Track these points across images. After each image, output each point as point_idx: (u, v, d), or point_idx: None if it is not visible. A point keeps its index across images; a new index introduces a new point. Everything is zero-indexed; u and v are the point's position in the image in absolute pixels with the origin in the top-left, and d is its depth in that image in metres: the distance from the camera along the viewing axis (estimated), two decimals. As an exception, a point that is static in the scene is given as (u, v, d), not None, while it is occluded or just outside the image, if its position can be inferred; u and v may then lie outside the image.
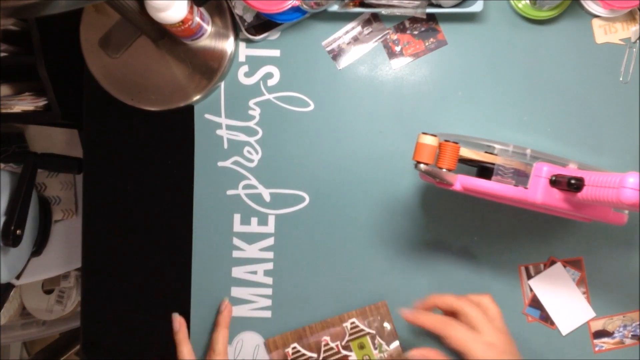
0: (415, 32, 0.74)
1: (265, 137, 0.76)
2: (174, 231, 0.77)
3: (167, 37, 0.74)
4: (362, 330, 0.72)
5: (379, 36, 0.75)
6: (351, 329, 0.72)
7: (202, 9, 0.71)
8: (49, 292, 1.17)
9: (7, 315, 1.13)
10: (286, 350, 0.72)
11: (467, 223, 0.74)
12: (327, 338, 0.72)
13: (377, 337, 0.72)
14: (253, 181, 0.76)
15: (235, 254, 0.76)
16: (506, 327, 0.63)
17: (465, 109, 0.74)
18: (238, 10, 0.73)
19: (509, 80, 0.73)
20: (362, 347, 0.72)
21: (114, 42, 0.74)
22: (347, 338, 0.72)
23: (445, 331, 0.60)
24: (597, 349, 0.73)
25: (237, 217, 0.76)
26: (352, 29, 0.75)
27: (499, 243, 0.74)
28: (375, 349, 0.73)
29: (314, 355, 0.72)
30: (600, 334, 0.73)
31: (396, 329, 0.73)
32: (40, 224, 0.98)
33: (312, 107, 0.75)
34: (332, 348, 0.72)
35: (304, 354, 0.72)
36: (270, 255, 0.76)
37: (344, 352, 0.73)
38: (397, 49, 0.75)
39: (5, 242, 0.83)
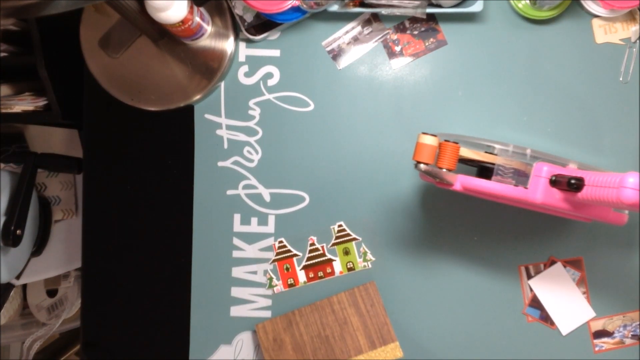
0: (415, 32, 0.74)
1: (265, 137, 0.76)
2: (174, 231, 0.77)
3: (167, 37, 0.74)
4: (348, 234, 0.71)
5: (379, 36, 0.75)
6: (338, 231, 0.71)
7: (202, 9, 0.71)
8: (52, 292, 1.17)
9: (7, 315, 1.13)
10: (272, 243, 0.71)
11: (467, 223, 0.74)
12: (314, 238, 0.71)
13: (363, 245, 0.72)
14: (253, 181, 0.76)
15: (235, 254, 0.76)
16: None
17: (465, 108, 0.74)
18: (238, 10, 0.73)
19: (509, 80, 0.73)
20: (347, 252, 0.72)
21: (114, 42, 0.74)
22: (332, 241, 0.72)
23: None
24: (597, 349, 0.73)
25: (237, 217, 0.76)
26: (352, 29, 0.75)
27: (499, 243, 0.74)
28: (360, 257, 0.73)
29: (299, 253, 0.71)
30: (600, 334, 0.73)
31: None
32: (40, 224, 0.98)
33: (312, 107, 0.75)
34: (317, 249, 0.72)
35: (289, 249, 0.71)
36: (270, 255, 0.76)
37: (329, 256, 0.72)
38: (397, 49, 0.75)
39: (5, 242, 0.83)
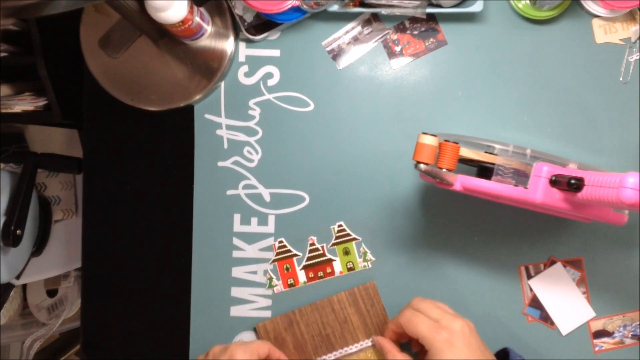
0: (415, 32, 0.74)
1: (265, 137, 0.76)
2: (174, 231, 0.77)
3: (167, 37, 0.74)
4: (348, 234, 0.71)
5: (379, 36, 0.75)
6: (338, 231, 0.72)
7: (202, 9, 0.71)
8: (52, 292, 1.17)
9: (7, 315, 1.13)
10: (272, 243, 0.72)
11: (467, 223, 0.74)
12: (314, 238, 0.71)
13: (363, 245, 0.72)
14: (253, 181, 0.76)
15: (235, 254, 0.76)
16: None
17: (465, 109, 0.74)
18: (238, 10, 0.73)
19: (509, 80, 0.73)
20: (347, 252, 0.73)
21: (114, 42, 0.74)
22: (332, 241, 0.72)
23: (410, 324, 0.63)
24: (597, 349, 0.73)
25: (237, 217, 0.76)
26: (352, 29, 0.75)
27: (499, 243, 0.74)
28: (360, 257, 0.73)
29: (299, 253, 0.72)
30: (600, 334, 0.73)
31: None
32: (40, 224, 0.98)
33: (312, 107, 0.75)
34: (317, 249, 0.72)
35: (289, 250, 0.72)
36: (270, 255, 0.76)
37: (329, 256, 0.72)
38: (397, 49, 0.75)
39: (5, 242, 0.83)
